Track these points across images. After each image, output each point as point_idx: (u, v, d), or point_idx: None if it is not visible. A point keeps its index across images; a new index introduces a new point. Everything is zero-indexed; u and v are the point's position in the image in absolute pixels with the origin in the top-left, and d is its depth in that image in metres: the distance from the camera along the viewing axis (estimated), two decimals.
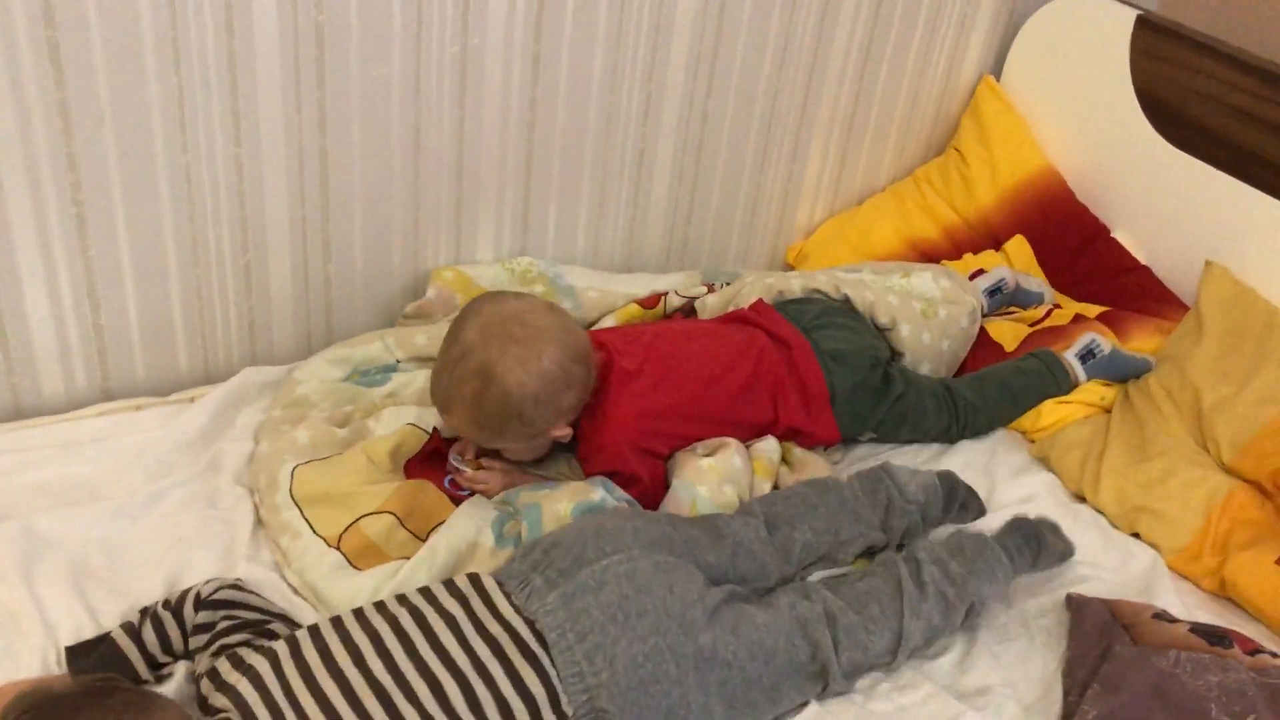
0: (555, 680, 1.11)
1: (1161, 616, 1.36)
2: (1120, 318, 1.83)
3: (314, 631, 1.12)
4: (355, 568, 1.31)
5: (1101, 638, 1.34)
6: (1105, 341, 1.74)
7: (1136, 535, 1.55)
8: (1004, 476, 1.62)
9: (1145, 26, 1.88)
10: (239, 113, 1.49)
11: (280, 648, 1.10)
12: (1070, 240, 1.97)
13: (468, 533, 1.32)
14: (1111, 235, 1.96)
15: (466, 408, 1.36)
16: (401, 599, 1.16)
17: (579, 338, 1.42)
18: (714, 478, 1.42)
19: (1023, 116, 2.07)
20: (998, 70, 2.13)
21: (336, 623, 1.13)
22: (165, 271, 1.56)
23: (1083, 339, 1.73)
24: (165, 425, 1.51)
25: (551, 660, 1.12)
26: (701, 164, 1.92)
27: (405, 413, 1.49)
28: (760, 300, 1.70)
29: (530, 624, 1.14)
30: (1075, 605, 1.40)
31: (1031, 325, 1.85)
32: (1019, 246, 1.97)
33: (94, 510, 1.36)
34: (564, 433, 1.43)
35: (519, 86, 1.68)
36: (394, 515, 1.36)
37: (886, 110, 2.08)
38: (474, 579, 1.19)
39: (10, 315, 1.49)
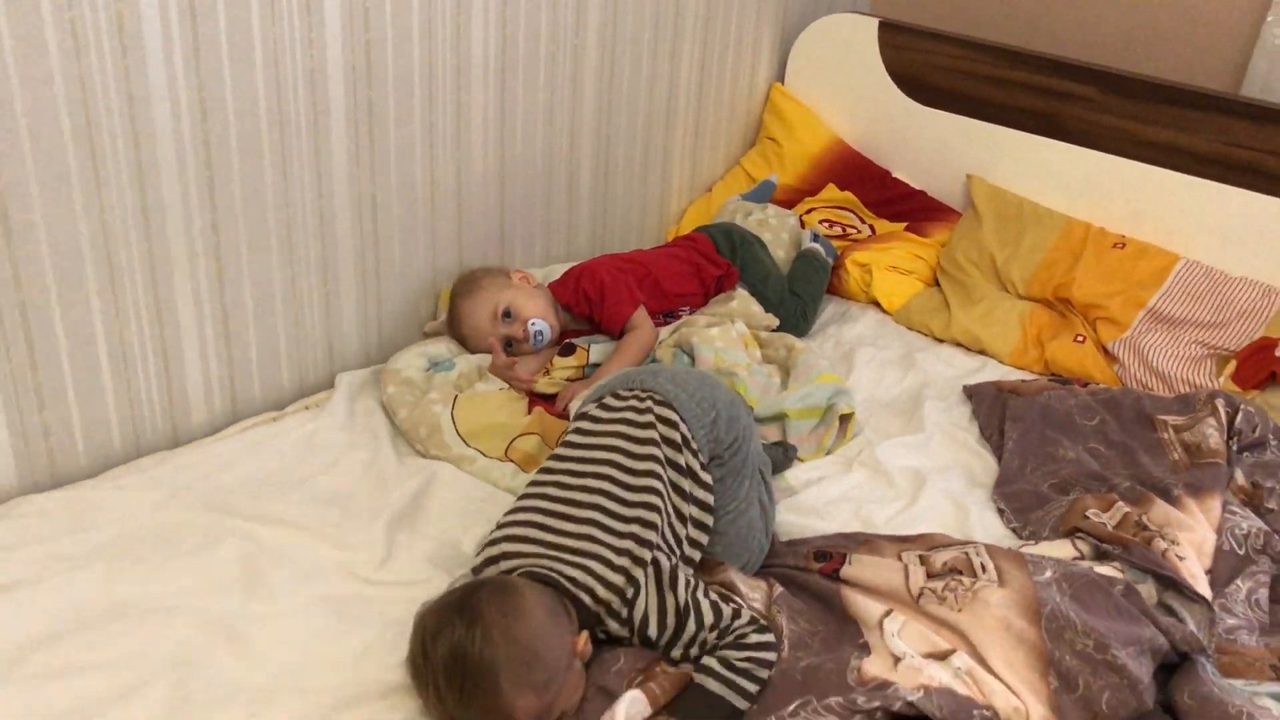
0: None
1: (1026, 381, 2.11)
2: (918, 226, 2.62)
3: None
4: (524, 471, 1.82)
5: (996, 401, 2.06)
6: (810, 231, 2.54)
7: (983, 352, 2.31)
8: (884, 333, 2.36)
9: (886, 28, 2.69)
10: (320, 173, 1.96)
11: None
12: (865, 184, 2.74)
13: None
14: (893, 176, 2.75)
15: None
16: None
17: None
18: (721, 340, 2.07)
19: (809, 107, 2.84)
20: (781, 78, 2.90)
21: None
22: (274, 309, 1.99)
23: (806, 232, 2.50)
24: (313, 422, 1.94)
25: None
26: (610, 175, 2.54)
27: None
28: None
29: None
30: (970, 391, 2.13)
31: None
32: (831, 191, 2.73)
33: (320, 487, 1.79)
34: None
35: (493, 139, 2.24)
36: (538, 435, 1.88)
37: (715, 120, 2.78)
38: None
39: (173, 358, 1.87)
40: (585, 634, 1.39)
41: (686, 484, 1.54)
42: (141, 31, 1.64)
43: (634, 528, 1.45)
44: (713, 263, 2.34)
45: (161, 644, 1.44)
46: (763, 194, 2.68)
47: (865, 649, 1.40)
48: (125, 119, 1.67)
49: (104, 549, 1.59)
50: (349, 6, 1.89)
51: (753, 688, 1.37)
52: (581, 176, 2.48)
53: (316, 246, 2.02)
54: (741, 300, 2.28)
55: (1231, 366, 2.14)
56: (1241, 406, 1.94)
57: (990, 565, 1.56)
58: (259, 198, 1.89)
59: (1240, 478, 1.85)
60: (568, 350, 2.12)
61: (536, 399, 2.00)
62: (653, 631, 1.41)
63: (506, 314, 2.09)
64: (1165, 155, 2.35)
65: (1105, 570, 1.56)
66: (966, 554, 1.59)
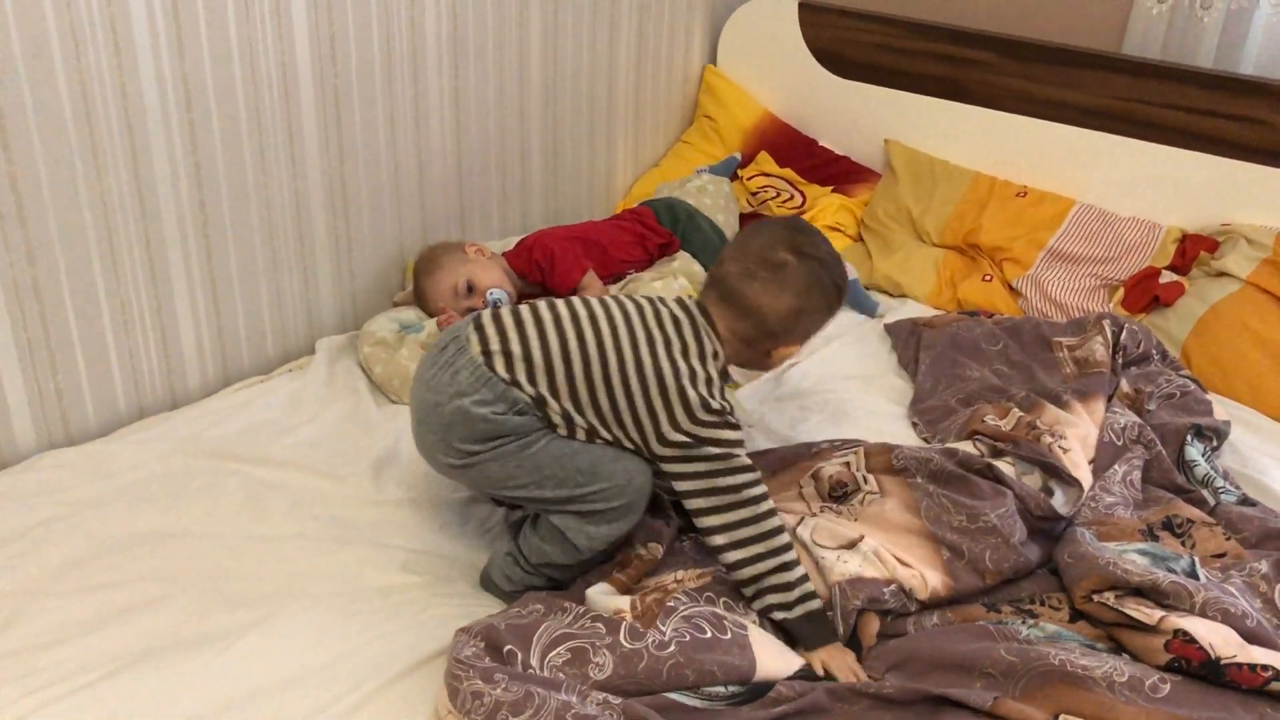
0: None
1: (938, 315, 2.36)
2: (843, 189, 2.86)
3: None
4: None
5: (912, 335, 2.30)
6: None
7: (903, 295, 2.55)
8: None
9: (805, 8, 2.93)
10: (294, 155, 2.17)
11: None
12: (795, 152, 2.98)
13: None
14: (819, 144, 2.99)
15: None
16: None
17: None
18: (664, 292, 2.30)
19: (740, 86, 3.07)
20: (714, 60, 3.13)
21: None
22: (258, 281, 2.19)
23: None
24: (298, 381, 2.15)
25: None
26: (559, 154, 2.77)
27: None
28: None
29: None
30: (890, 328, 2.37)
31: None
32: (765, 160, 2.96)
33: (308, 433, 2.00)
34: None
35: (449, 122, 2.45)
36: None
37: (654, 101, 3.01)
38: None
39: (169, 327, 2.07)
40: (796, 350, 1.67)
41: None
42: (132, 30, 1.84)
43: None
44: (655, 232, 2.56)
45: (182, 563, 1.64)
46: (726, 168, 2.92)
47: None
48: (120, 109, 1.87)
49: (121, 491, 1.79)
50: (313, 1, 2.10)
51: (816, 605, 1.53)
52: (532, 155, 2.70)
53: (294, 223, 2.22)
54: (683, 260, 2.50)
55: (1120, 294, 2.40)
56: (1126, 325, 2.19)
57: (871, 479, 1.77)
58: (240, 179, 2.09)
59: (1126, 386, 2.10)
60: None
61: None
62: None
63: (468, 288, 2.30)
64: (1058, 111, 2.61)
65: (965, 447, 1.84)
66: (848, 464, 1.80)
